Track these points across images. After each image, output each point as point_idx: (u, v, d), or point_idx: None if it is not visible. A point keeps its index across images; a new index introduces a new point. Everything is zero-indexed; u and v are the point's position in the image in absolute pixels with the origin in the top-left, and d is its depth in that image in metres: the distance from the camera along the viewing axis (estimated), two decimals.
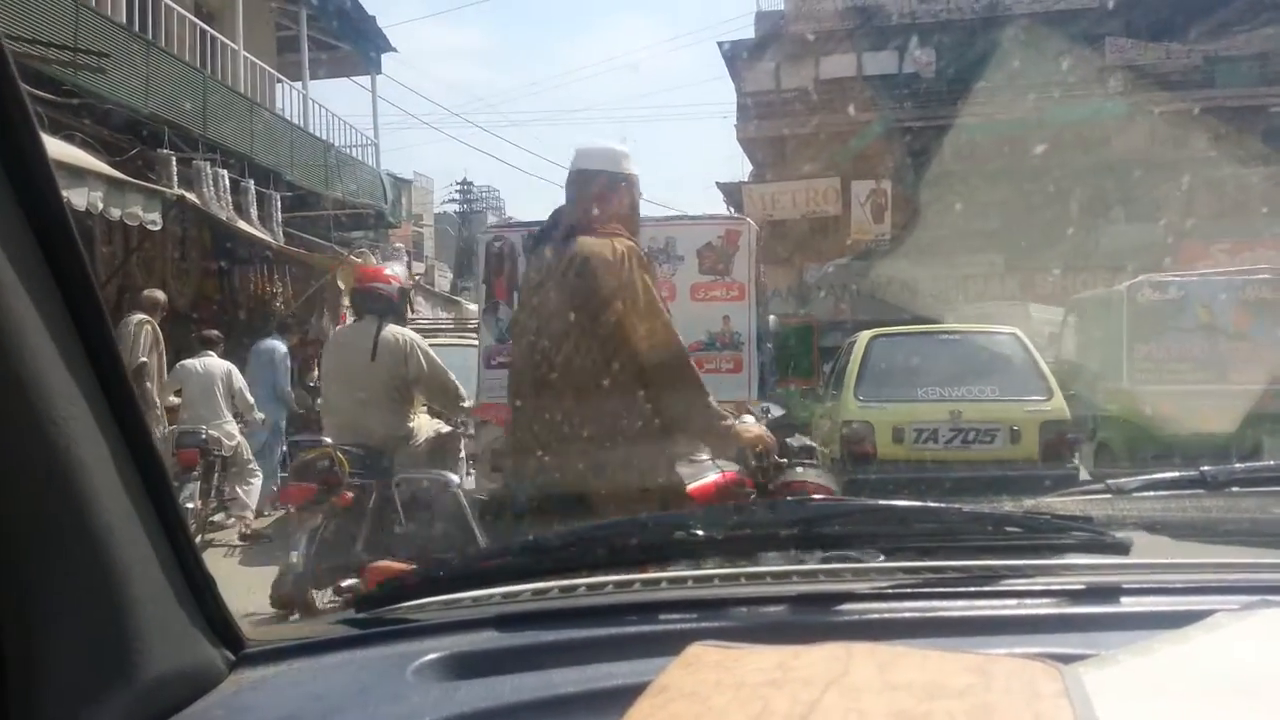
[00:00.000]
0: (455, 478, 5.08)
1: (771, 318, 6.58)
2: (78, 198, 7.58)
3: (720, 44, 27.16)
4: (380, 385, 5.21)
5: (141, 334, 8.07)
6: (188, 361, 8.46)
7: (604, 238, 2.94)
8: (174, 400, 8.37)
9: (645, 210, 3.35)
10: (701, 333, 5.33)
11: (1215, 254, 19.19)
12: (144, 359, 7.97)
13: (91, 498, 0.85)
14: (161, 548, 0.94)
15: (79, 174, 7.77)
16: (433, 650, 1.05)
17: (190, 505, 7.46)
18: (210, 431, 7.91)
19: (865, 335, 8.35)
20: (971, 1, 25.52)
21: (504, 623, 1.13)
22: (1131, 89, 23.47)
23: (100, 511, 0.85)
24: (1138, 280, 9.19)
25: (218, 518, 8.38)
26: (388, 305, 5.39)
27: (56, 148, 7.82)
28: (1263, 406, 8.32)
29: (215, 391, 8.24)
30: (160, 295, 8.70)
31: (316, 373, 12.71)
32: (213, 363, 8.40)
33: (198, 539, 7.46)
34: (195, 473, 7.65)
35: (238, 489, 8.30)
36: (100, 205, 7.96)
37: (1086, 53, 24.16)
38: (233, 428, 8.30)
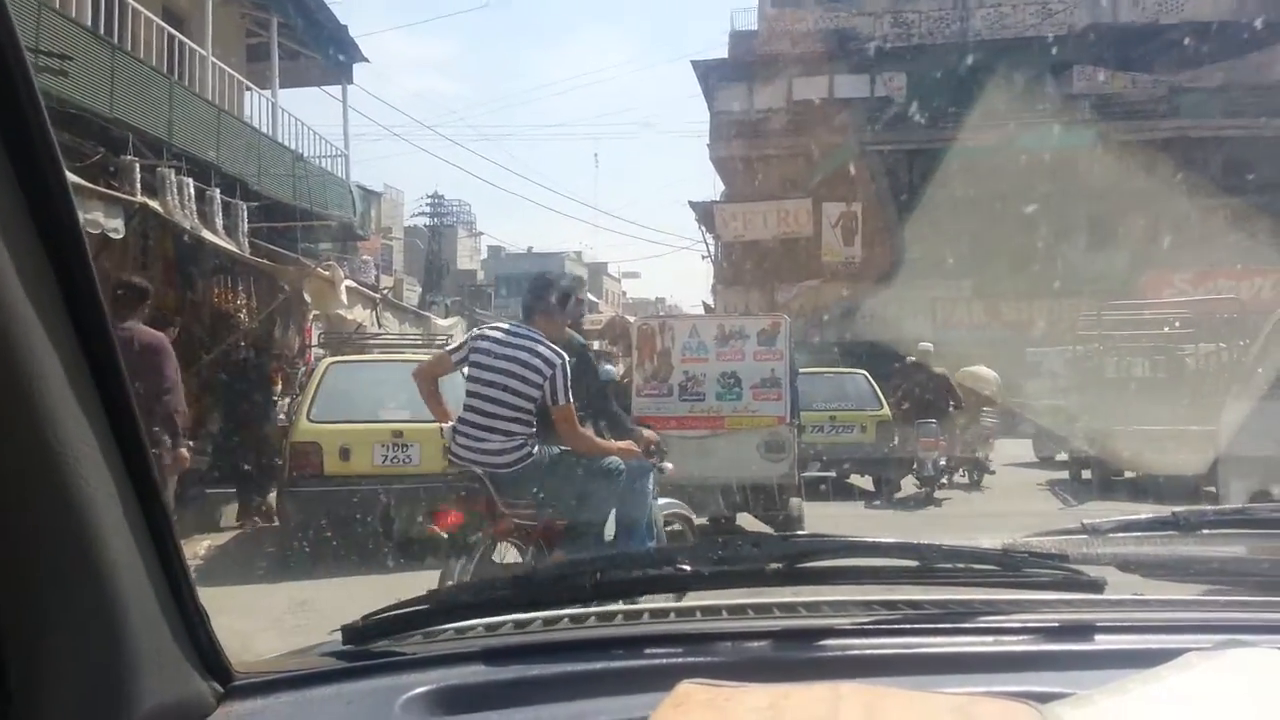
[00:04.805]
0: None
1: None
2: None
3: (694, 63, 27.31)
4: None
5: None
6: None
7: None
8: None
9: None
10: (758, 378, 8.78)
11: (1178, 283, 19.51)
12: None
13: (96, 524, 0.83)
14: (158, 577, 0.93)
15: None
16: (420, 684, 1.04)
17: None
18: None
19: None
20: (943, 27, 25.84)
21: (490, 656, 1.13)
22: (1098, 117, 23.80)
23: (104, 540, 0.84)
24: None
25: None
26: None
27: None
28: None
29: None
30: None
31: (280, 387, 12.52)
32: None
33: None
34: None
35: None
36: None
37: (1054, 80, 24.52)
38: None
